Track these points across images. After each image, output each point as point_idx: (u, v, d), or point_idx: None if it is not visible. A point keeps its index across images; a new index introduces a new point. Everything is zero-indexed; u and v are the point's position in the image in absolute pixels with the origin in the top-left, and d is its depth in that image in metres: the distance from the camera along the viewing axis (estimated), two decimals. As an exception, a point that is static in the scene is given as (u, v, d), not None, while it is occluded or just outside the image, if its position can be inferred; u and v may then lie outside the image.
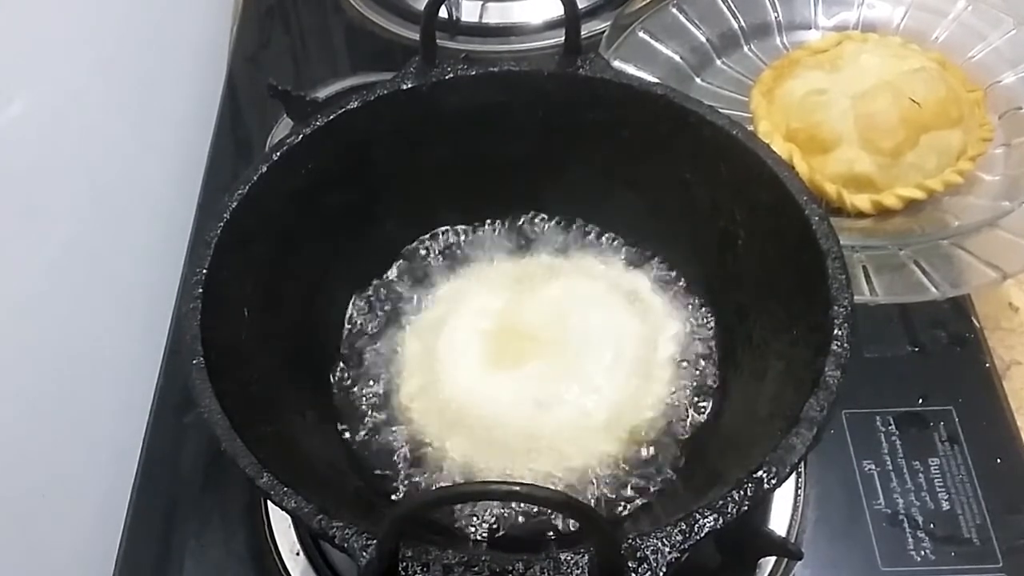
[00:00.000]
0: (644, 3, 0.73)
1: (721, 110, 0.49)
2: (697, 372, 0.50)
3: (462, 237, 0.57)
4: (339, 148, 0.51)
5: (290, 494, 0.36)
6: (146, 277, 0.66)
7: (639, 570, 0.33)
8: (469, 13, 0.81)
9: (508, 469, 0.46)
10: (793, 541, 0.49)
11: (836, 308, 0.40)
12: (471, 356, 0.50)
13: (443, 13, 0.71)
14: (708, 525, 0.34)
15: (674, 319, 0.52)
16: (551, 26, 0.80)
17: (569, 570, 0.33)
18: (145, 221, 0.68)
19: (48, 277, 0.54)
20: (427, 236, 0.57)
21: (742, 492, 0.35)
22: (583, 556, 0.33)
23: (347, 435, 0.49)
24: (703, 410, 0.49)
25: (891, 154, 0.61)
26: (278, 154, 0.48)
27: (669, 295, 0.53)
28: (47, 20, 0.56)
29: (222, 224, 0.45)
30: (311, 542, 0.51)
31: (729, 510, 0.34)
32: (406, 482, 0.47)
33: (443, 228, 0.57)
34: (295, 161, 0.49)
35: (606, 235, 0.56)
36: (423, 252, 0.57)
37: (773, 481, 0.35)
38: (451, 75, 0.52)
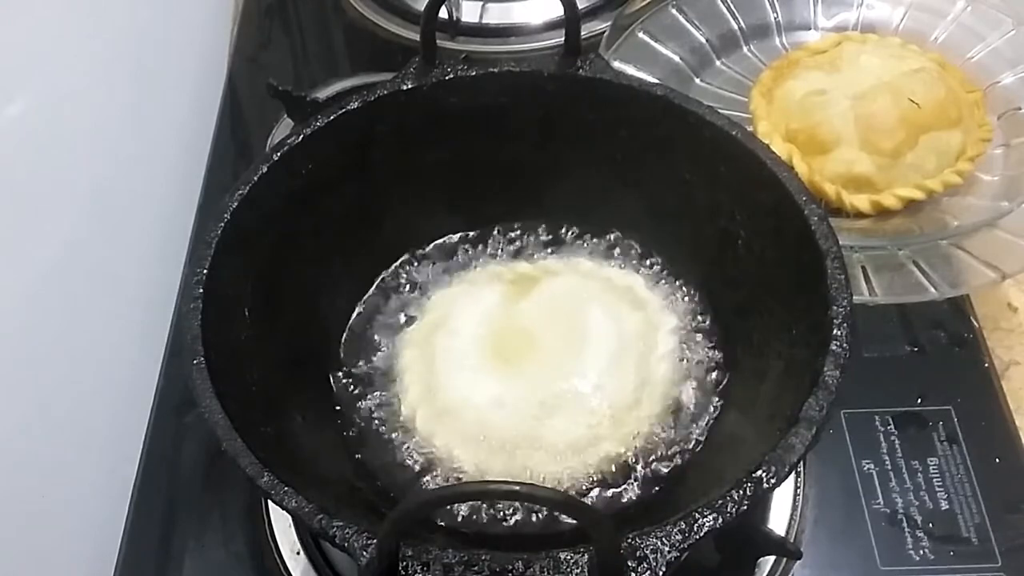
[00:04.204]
0: (644, 3, 0.73)
1: (721, 110, 0.49)
2: (697, 371, 0.50)
3: (461, 238, 0.57)
4: (339, 149, 0.51)
5: (290, 494, 0.36)
6: (146, 277, 0.66)
7: (639, 569, 0.33)
8: (469, 14, 0.81)
9: (510, 469, 0.47)
10: (792, 540, 0.49)
11: (835, 308, 0.40)
12: (472, 358, 0.50)
13: (443, 14, 0.71)
14: (707, 524, 0.34)
15: (673, 319, 0.52)
16: (551, 27, 0.80)
17: (569, 569, 0.33)
18: (145, 221, 0.68)
19: (48, 277, 0.54)
20: (427, 237, 0.57)
21: (741, 492, 0.35)
22: (583, 555, 0.34)
23: (348, 435, 0.49)
24: (703, 409, 0.49)
25: (890, 155, 0.61)
26: (278, 154, 0.48)
27: (668, 295, 0.53)
28: (47, 20, 0.56)
29: (222, 224, 0.45)
30: (311, 542, 0.51)
31: (728, 509, 0.34)
32: (406, 481, 0.47)
33: (442, 229, 0.57)
34: (295, 161, 0.49)
35: (606, 236, 0.56)
36: (423, 253, 0.57)
37: (772, 481, 0.35)
38: (451, 76, 0.52)
